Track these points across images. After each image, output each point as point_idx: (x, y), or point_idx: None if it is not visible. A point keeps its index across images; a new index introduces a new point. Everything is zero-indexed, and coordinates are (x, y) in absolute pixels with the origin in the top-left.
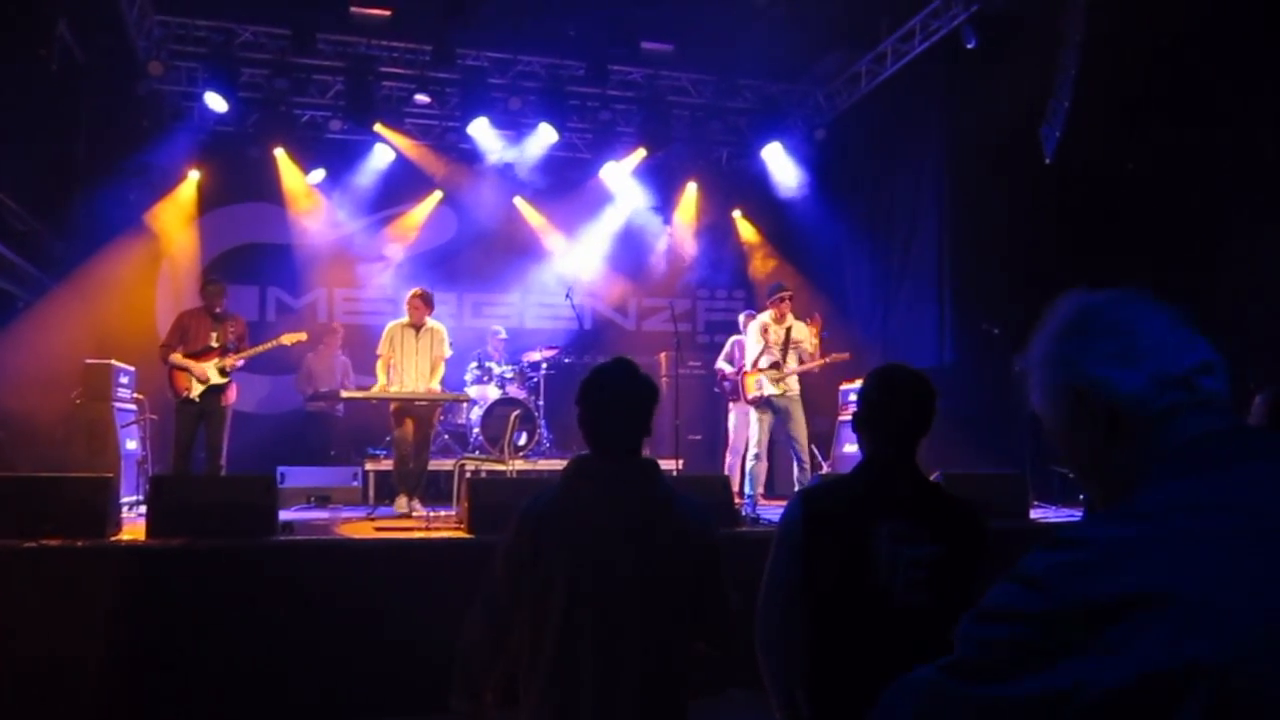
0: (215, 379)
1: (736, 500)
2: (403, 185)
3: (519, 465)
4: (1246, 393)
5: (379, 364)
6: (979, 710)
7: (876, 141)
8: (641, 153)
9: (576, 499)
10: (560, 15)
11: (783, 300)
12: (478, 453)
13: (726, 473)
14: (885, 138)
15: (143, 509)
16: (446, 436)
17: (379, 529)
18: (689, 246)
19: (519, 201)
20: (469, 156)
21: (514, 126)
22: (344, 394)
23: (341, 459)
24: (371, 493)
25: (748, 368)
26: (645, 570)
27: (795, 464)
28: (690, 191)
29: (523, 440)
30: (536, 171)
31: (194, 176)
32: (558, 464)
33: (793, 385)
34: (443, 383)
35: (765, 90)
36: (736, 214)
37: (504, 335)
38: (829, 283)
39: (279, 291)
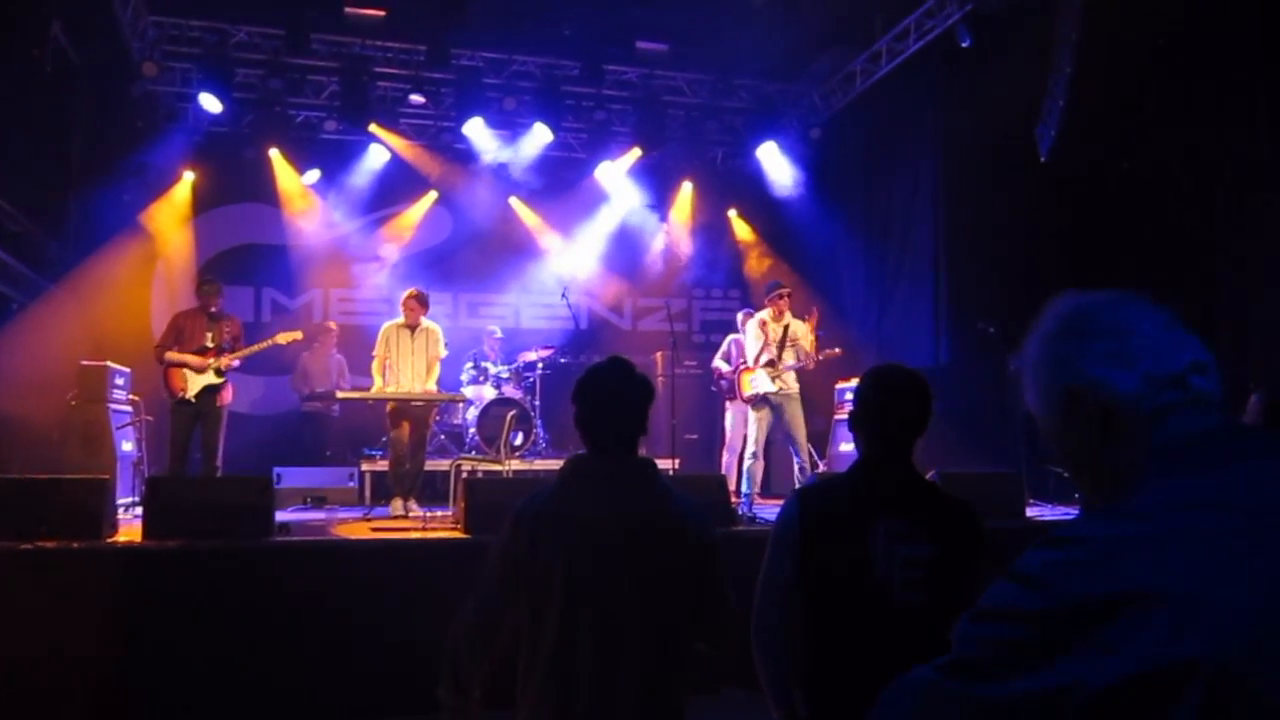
0: (211, 378)
1: (733, 499)
2: (398, 185)
3: (515, 465)
4: (1243, 391)
5: (374, 364)
6: (977, 709)
7: (872, 141)
8: (637, 152)
9: (573, 498)
10: (555, 15)
11: (781, 298)
12: (474, 453)
13: (724, 472)
14: (880, 137)
15: (139, 510)
16: (443, 437)
17: (375, 529)
18: (684, 246)
19: (514, 201)
20: (464, 156)
21: (509, 126)
22: (340, 394)
23: (337, 459)
24: (368, 493)
25: (750, 365)
26: (643, 569)
27: (795, 461)
28: (685, 191)
29: (519, 440)
30: (532, 171)
31: (189, 177)
32: (554, 464)
33: (791, 382)
34: (439, 383)
35: (760, 90)
36: (732, 213)
37: (499, 335)
38: (824, 282)
39: (274, 292)
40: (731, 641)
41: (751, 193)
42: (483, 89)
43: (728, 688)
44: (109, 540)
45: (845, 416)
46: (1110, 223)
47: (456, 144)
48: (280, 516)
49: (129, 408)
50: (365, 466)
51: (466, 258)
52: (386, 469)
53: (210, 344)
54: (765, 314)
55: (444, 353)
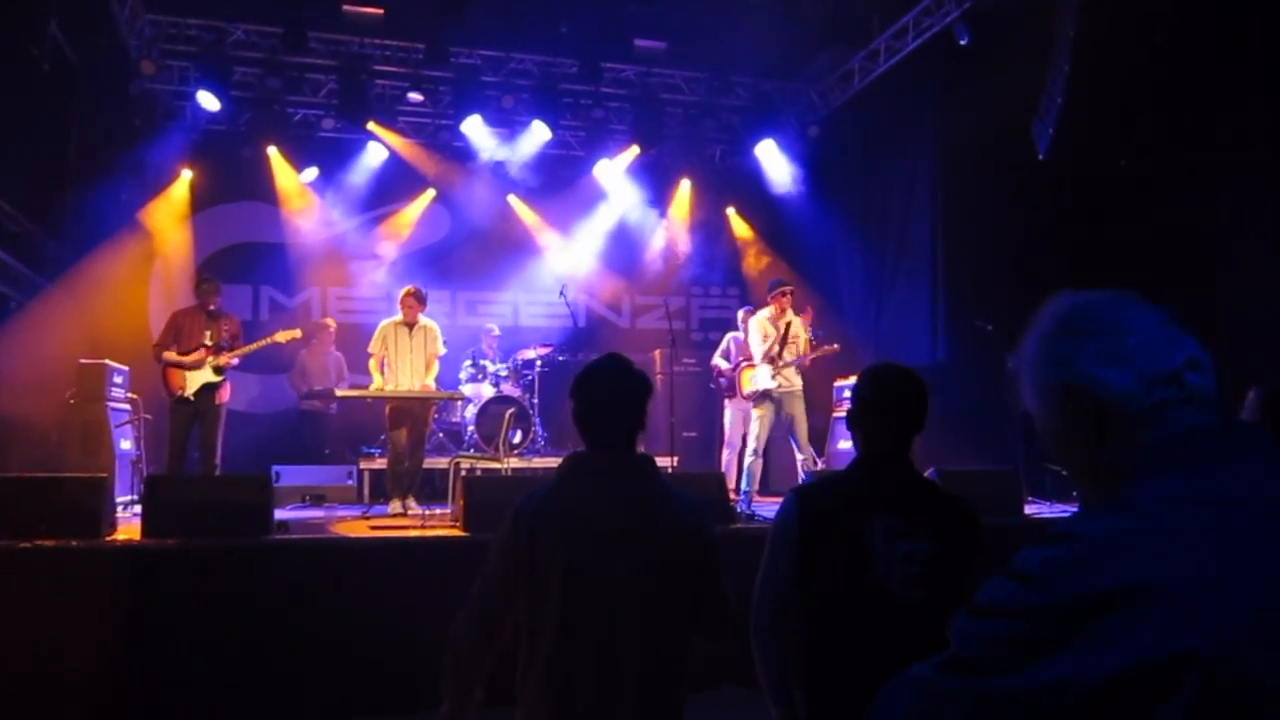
0: (210, 376)
1: (732, 496)
2: (396, 183)
3: (514, 463)
4: (1240, 388)
5: (371, 362)
6: (975, 705)
7: (870, 138)
8: (635, 150)
9: (572, 495)
10: (553, 13)
11: (783, 295)
12: (472, 451)
13: (723, 469)
14: (878, 135)
15: (138, 509)
16: (441, 435)
17: (374, 528)
18: (683, 244)
19: (512, 199)
20: (462, 154)
21: (507, 124)
22: (339, 392)
23: (336, 458)
24: (366, 491)
25: (757, 361)
26: (642, 567)
27: (797, 458)
28: (684, 189)
29: (517, 438)
30: (530, 169)
31: (187, 176)
32: (553, 462)
33: (793, 379)
34: (437, 381)
35: (758, 88)
36: (730, 211)
37: (497, 333)
38: (823, 279)
39: (272, 290)
40: (730, 638)
41: (750, 191)
42: (481, 87)
43: (727, 685)
44: (108, 539)
45: (843, 414)
46: (1108, 220)
47: (455, 142)
48: (279, 515)
49: (127, 406)
50: (364, 465)
51: (465, 256)
52: (385, 467)
53: (209, 342)
54: (768, 311)
55: (442, 350)
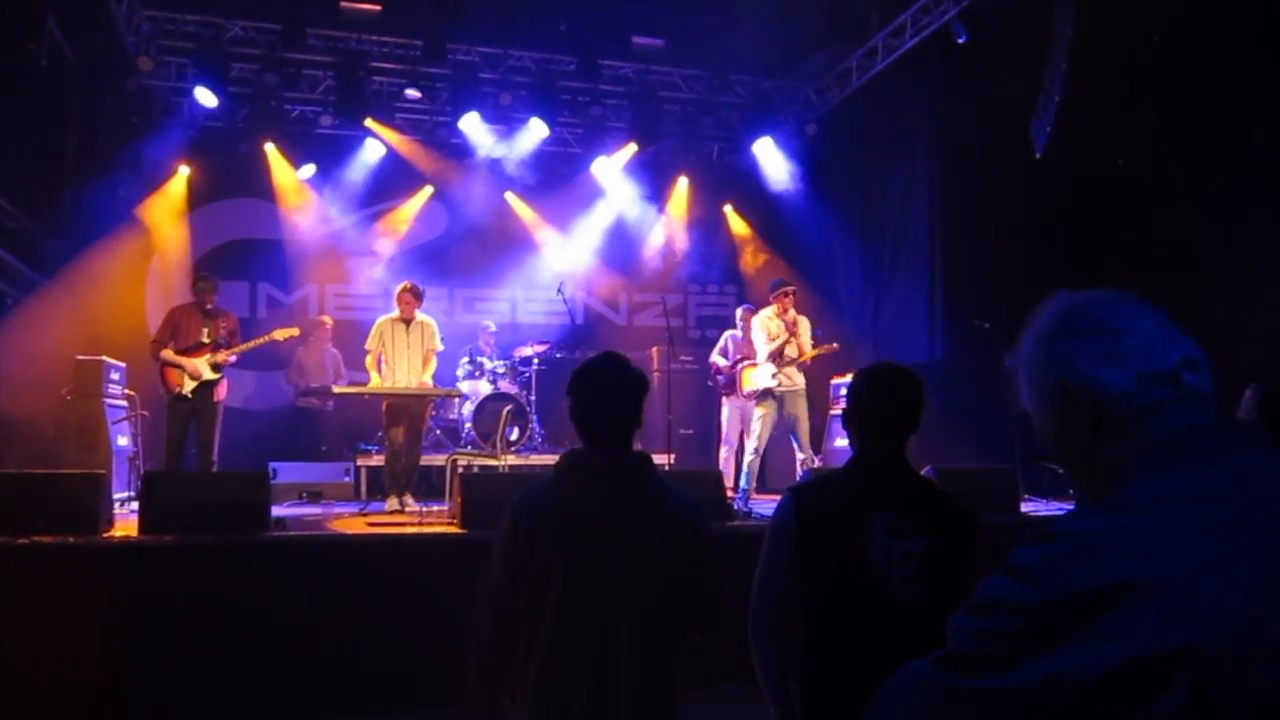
0: (208, 375)
1: (730, 494)
2: (393, 180)
3: (511, 460)
4: (1238, 387)
5: (368, 359)
6: (973, 702)
7: (867, 136)
8: (633, 148)
9: (569, 493)
10: (551, 10)
11: (786, 295)
12: (470, 448)
13: (720, 467)
14: (876, 133)
15: (135, 505)
16: (438, 431)
17: (371, 524)
18: (680, 241)
19: (510, 196)
20: (460, 151)
21: (505, 121)
22: (336, 389)
23: (333, 455)
24: (363, 488)
25: (760, 360)
26: (639, 564)
27: (798, 456)
28: (681, 186)
29: (515, 435)
30: (527, 166)
31: (184, 172)
32: (550, 459)
33: (796, 378)
34: (435, 377)
35: (756, 85)
36: (728, 209)
37: (493, 329)
38: (820, 277)
39: (269, 287)
40: (728, 637)
41: (747, 188)
42: (479, 84)
43: (725, 684)
44: (105, 535)
45: (840, 412)
46: (1105, 219)
47: (452, 139)
48: (276, 511)
49: (124, 403)
50: (361, 462)
51: (462, 253)
52: (382, 464)
53: (206, 339)
54: (770, 310)
55: (440, 346)
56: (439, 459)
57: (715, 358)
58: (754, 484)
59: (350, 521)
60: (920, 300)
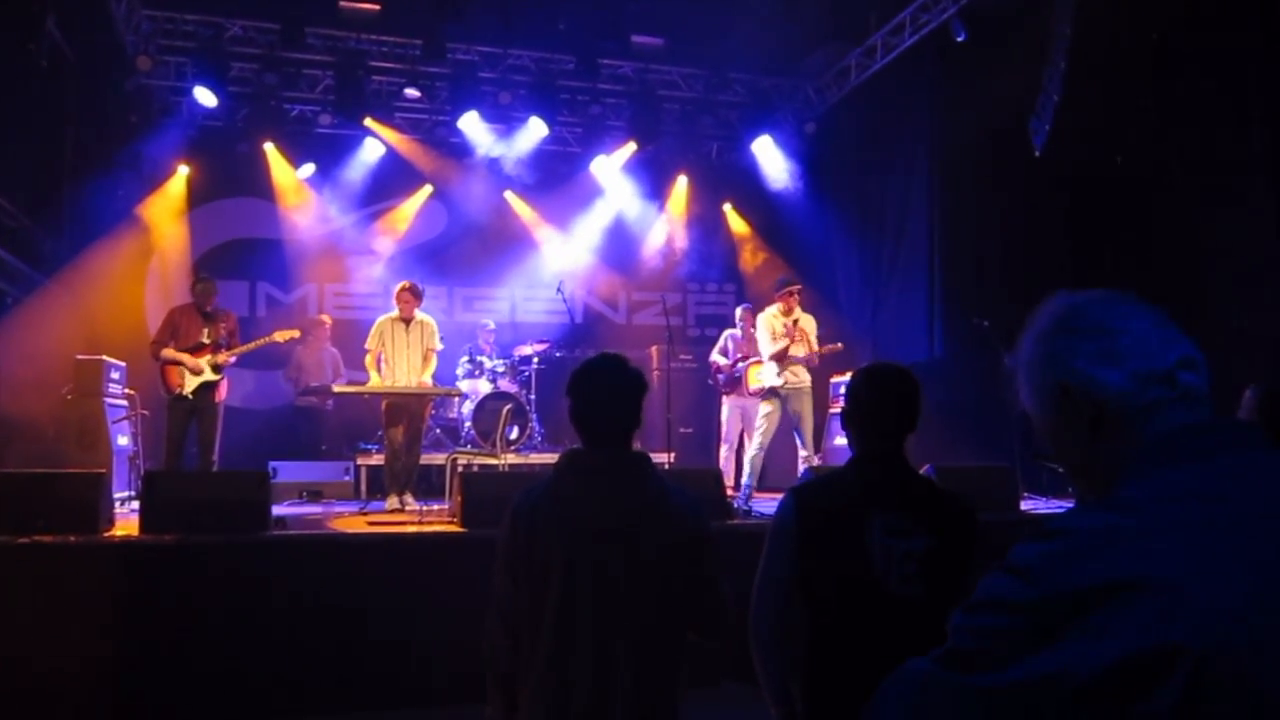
0: (208, 375)
1: (730, 492)
2: (393, 180)
3: (511, 459)
4: (1237, 387)
5: (368, 358)
6: (972, 699)
7: (866, 135)
8: (632, 146)
9: (569, 493)
10: (550, 9)
11: (791, 294)
12: (469, 447)
13: (720, 466)
14: (875, 131)
15: (135, 504)
16: (438, 431)
17: (372, 523)
18: (679, 240)
19: (509, 195)
20: (459, 151)
21: (504, 120)
22: (336, 388)
23: (333, 454)
24: (363, 487)
25: (764, 360)
26: (639, 563)
27: (800, 454)
28: (681, 185)
29: (514, 434)
30: (527, 165)
31: (183, 171)
32: (549, 458)
33: (802, 376)
34: (434, 376)
35: (755, 84)
36: (727, 207)
37: (492, 328)
38: (819, 276)
39: (269, 286)
40: (727, 635)
41: (746, 187)
42: (478, 83)
43: (725, 682)
44: (106, 535)
45: (839, 411)
46: (1104, 218)
47: (451, 138)
48: (276, 511)
49: (124, 402)
50: (361, 461)
51: (461, 252)
52: (382, 463)
53: (206, 340)
54: (775, 309)
55: (439, 346)
56: (439, 458)
57: (715, 357)
58: (756, 481)
59: (350, 521)
60: (919, 299)
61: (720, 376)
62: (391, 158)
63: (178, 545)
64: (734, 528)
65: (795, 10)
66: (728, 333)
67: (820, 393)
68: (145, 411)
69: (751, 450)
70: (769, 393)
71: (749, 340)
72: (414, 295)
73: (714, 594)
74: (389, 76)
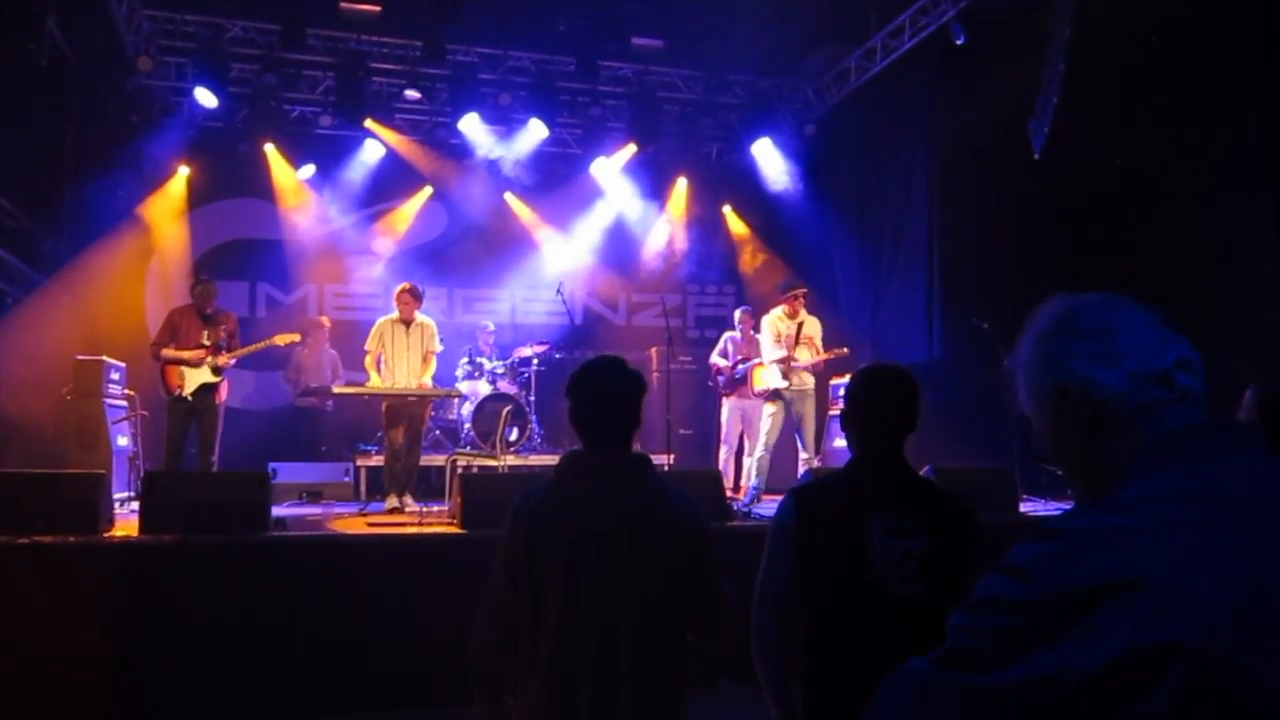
0: (208, 377)
1: (730, 494)
2: (393, 181)
3: (510, 460)
4: (1236, 387)
5: (367, 359)
6: (971, 699)
7: (866, 137)
8: (632, 148)
9: (570, 495)
10: (551, 11)
11: (796, 297)
12: (469, 448)
13: (720, 467)
14: (875, 133)
15: (134, 505)
16: (438, 432)
17: (371, 524)
18: (679, 241)
19: (509, 197)
20: (459, 152)
21: (504, 122)
22: (336, 389)
23: (332, 455)
24: (363, 488)
25: (766, 363)
26: (639, 565)
27: (801, 455)
28: (680, 187)
29: (514, 436)
30: (527, 167)
31: (183, 172)
32: (549, 459)
33: (806, 379)
34: (434, 378)
35: (755, 86)
36: (727, 209)
37: (491, 329)
38: (819, 277)
39: (269, 287)
40: (726, 635)
41: (746, 188)
42: (478, 84)
43: (726, 683)
44: (106, 535)
45: (838, 412)
46: (1102, 219)
47: (452, 139)
48: (276, 512)
49: (124, 403)
50: (361, 462)
51: (461, 253)
52: (382, 464)
53: (207, 341)
54: (779, 311)
55: (439, 347)
56: (439, 459)
57: (715, 358)
58: (764, 483)
59: (350, 521)
60: (919, 300)
61: (720, 378)
62: (391, 159)
63: (177, 546)
64: (734, 529)
65: (795, 12)
66: (727, 335)
67: (820, 395)
68: (145, 412)
69: (758, 452)
70: (773, 395)
71: (748, 342)
72: (414, 297)
73: (713, 595)
74: (389, 78)
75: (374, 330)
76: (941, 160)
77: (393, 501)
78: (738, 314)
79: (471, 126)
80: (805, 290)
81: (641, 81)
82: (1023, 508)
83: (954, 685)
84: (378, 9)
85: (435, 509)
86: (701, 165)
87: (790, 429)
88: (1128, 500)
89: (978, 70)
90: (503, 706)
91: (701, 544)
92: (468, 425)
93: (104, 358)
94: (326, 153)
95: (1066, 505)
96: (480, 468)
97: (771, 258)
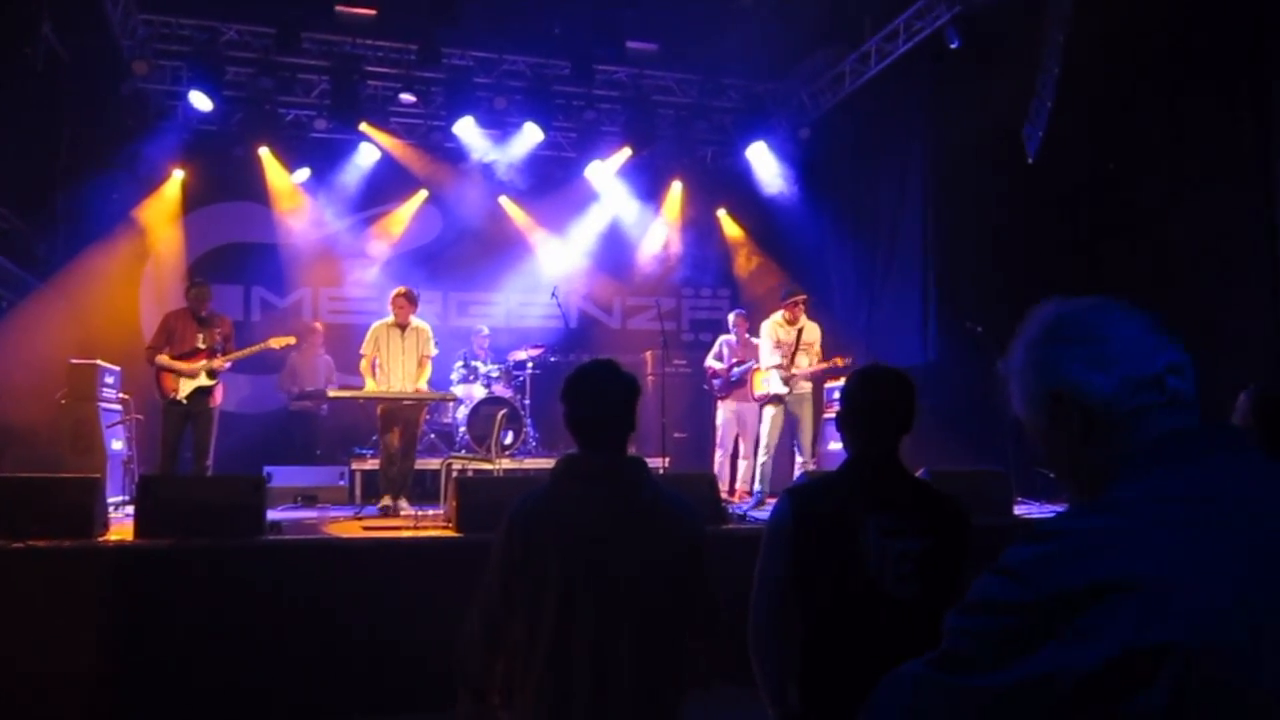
0: (203, 381)
1: (725, 497)
2: (388, 184)
3: (506, 464)
4: (1231, 389)
5: (363, 363)
6: (966, 700)
7: (860, 140)
8: (626, 152)
9: (566, 498)
10: (545, 14)
11: (796, 304)
12: (464, 452)
13: (715, 470)
14: (869, 137)
15: (129, 509)
16: (433, 436)
17: (367, 528)
18: (674, 245)
19: (504, 200)
20: (454, 155)
21: (499, 126)
22: (331, 393)
23: (327, 459)
24: (358, 492)
25: (763, 368)
26: (636, 567)
27: (798, 459)
28: (675, 190)
29: (509, 439)
30: (521, 171)
31: (178, 175)
32: (544, 463)
33: (804, 384)
34: (429, 381)
35: (750, 89)
36: (721, 213)
37: (486, 333)
38: (813, 281)
39: (264, 291)
40: (719, 635)
41: (741, 192)
42: (473, 88)
43: (723, 684)
44: (101, 539)
45: (834, 415)
46: (1096, 223)
47: (446, 143)
48: (271, 515)
49: (119, 406)
50: (355, 465)
51: (456, 257)
52: (377, 468)
53: (202, 345)
54: (779, 317)
55: (434, 351)
56: (434, 463)
57: (710, 362)
58: (768, 486)
59: (345, 525)
60: (913, 303)
61: (715, 381)
62: (386, 162)
63: (173, 550)
64: (729, 532)
65: (789, 16)
66: (723, 338)
67: (815, 398)
68: (140, 416)
69: (761, 456)
70: (773, 399)
71: (744, 345)
72: (409, 301)
73: (708, 596)
74: (384, 81)
75: (369, 334)
76: (936, 164)
77: (385, 501)
78: (732, 317)
79: (466, 130)
80: (805, 296)
81: (636, 85)
82: (1017, 511)
83: (948, 687)
84: (373, 13)
85: (430, 513)
86: (696, 169)
87: (788, 432)
88: (1121, 502)
89: (972, 74)
90: (486, 706)
91: (697, 546)
92: (463, 429)
93: (98, 361)
94: (321, 156)
95: (1061, 508)
96: (475, 471)
97: (766, 261)
